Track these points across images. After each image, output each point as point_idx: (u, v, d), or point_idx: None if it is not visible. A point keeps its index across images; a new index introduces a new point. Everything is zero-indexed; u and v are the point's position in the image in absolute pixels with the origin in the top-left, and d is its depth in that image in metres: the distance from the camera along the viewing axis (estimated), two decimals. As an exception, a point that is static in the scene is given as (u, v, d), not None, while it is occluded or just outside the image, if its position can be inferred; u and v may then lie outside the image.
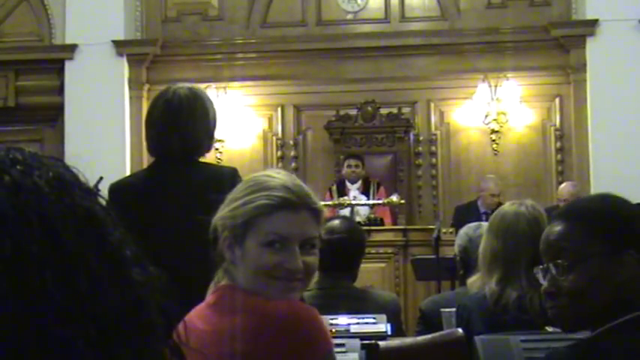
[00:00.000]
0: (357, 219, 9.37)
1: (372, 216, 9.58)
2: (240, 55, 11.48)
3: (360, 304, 4.29)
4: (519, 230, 3.61)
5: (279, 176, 2.37)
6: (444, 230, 8.67)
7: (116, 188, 3.77)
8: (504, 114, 10.90)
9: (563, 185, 10.01)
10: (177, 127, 3.68)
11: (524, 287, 3.51)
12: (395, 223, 9.92)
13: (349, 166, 10.08)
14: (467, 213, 9.36)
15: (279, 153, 11.35)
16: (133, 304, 0.93)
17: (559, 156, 11.02)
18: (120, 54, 11.15)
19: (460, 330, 3.61)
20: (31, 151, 0.96)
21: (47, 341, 0.87)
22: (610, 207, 2.28)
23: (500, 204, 7.79)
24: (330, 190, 9.90)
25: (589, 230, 2.22)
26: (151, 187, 3.67)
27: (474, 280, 3.77)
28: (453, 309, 4.10)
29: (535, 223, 3.62)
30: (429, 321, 4.35)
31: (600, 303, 2.18)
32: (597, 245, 2.20)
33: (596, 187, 10.40)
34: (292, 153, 11.35)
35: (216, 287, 2.33)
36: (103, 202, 0.97)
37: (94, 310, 0.89)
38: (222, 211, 2.33)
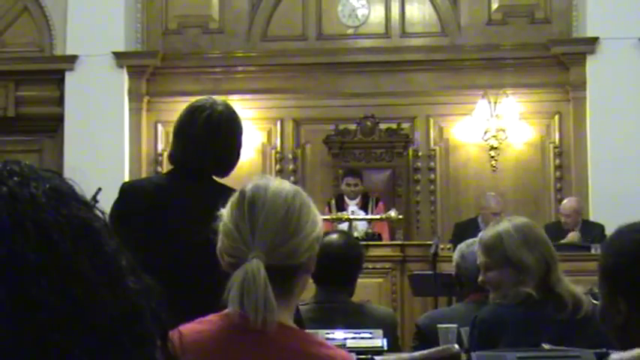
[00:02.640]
0: (355, 234, 9.35)
1: (370, 231, 9.58)
2: (240, 69, 11.51)
3: (356, 318, 4.29)
4: (547, 241, 3.82)
5: None
6: (441, 246, 8.67)
7: (128, 189, 3.76)
8: (503, 130, 10.91)
9: (565, 201, 10.03)
10: (216, 146, 3.65)
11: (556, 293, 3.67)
12: (393, 238, 9.90)
13: (348, 184, 10.06)
14: (466, 230, 9.34)
15: (277, 166, 11.35)
16: (129, 313, 0.94)
17: (558, 173, 11.03)
18: (120, 65, 11.17)
19: (456, 346, 3.60)
20: (27, 164, 0.97)
21: (44, 349, 0.88)
22: (615, 247, 2.26)
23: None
24: (329, 205, 9.90)
25: (599, 266, 2.25)
26: (165, 196, 3.65)
27: (503, 291, 3.82)
28: (450, 325, 4.11)
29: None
30: (426, 337, 4.35)
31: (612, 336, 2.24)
32: (603, 285, 2.22)
33: (595, 205, 10.42)
34: (291, 167, 11.36)
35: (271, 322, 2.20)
36: (100, 214, 0.98)
37: (90, 318, 0.90)
38: None
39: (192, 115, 3.73)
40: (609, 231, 8.90)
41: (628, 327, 2.16)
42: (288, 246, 2.22)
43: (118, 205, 3.57)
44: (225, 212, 2.31)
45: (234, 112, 3.78)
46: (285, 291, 2.24)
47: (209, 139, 3.65)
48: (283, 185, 2.31)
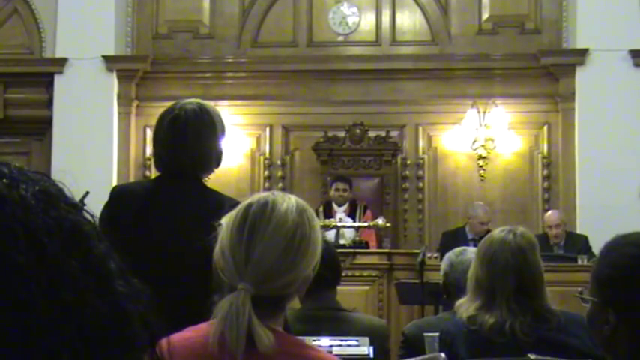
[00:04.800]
0: (342, 241, 9.37)
1: (358, 239, 9.58)
2: (229, 74, 11.50)
3: (345, 327, 4.28)
4: (501, 260, 3.59)
5: None
6: (428, 255, 8.67)
7: (118, 192, 3.76)
8: (492, 140, 10.93)
9: (549, 213, 10.03)
10: (184, 145, 3.63)
11: (502, 315, 3.51)
12: (380, 246, 9.92)
13: (337, 189, 10.06)
14: (454, 239, 9.35)
15: (266, 173, 11.35)
16: (117, 316, 0.93)
17: (546, 184, 11.05)
18: (110, 69, 11.16)
19: (443, 355, 3.60)
20: (17, 166, 0.96)
21: (32, 352, 0.87)
22: (610, 259, 2.27)
23: (488, 231, 7.76)
24: (317, 212, 9.89)
25: (593, 274, 2.26)
26: (154, 200, 3.65)
27: (461, 303, 3.76)
28: (436, 333, 4.10)
29: (520, 253, 3.60)
30: (412, 345, 4.34)
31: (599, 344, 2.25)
32: (594, 293, 2.22)
33: (582, 216, 10.43)
34: (279, 173, 11.36)
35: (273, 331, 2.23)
36: (89, 217, 0.98)
37: (78, 321, 0.90)
38: None
39: (161, 118, 3.73)
40: (594, 242, 8.87)
41: (615, 338, 2.17)
42: (279, 281, 2.21)
43: (107, 208, 3.57)
44: (225, 225, 2.28)
45: (207, 110, 3.74)
46: (274, 311, 2.25)
47: (177, 138, 3.64)
48: (288, 211, 2.26)
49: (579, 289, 2.35)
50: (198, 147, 3.67)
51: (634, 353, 2.15)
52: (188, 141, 3.64)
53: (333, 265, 4.39)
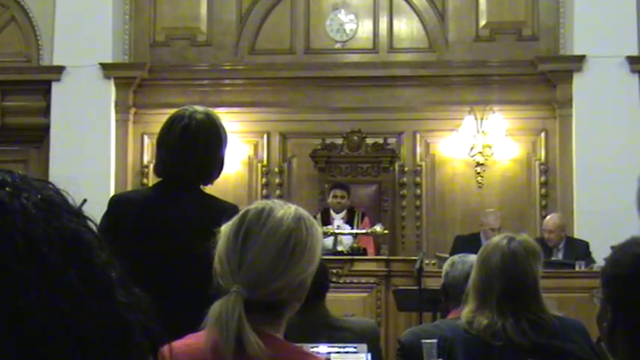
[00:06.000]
0: (340, 248, 9.37)
1: (356, 245, 9.57)
2: (227, 81, 11.51)
3: (338, 332, 4.28)
4: (491, 263, 3.63)
5: None
6: (426, 262, 8.66)
7: (117, 201, 3.75)
8: (490, 147, 10.93)
9: (548, 217, 10.02)
10: (194, 155, 3.63)
11: (493, 316, 3.53)
12: (378, 253, 9.91)
13: (335, 196, 10.06)
14: (467, 244, 9.27)
15: (263, 180, 11.35)
16: (118, 326, 0.93)
17: (543, 190, 11.05)
18: (107, 77, 11.16)
19: (441, 361, 3.61)
20: (20, 174, 0.96)
21: None
22: (615, 257, 2.29)
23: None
24: (314, 218, 9.86)
25: (601, 272, 2.30)
26: (153, 208, 3.65)
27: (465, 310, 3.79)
28: (434, 340, 4.10)
29: (510, 257, 3.62)
30: (409, 353, 4.34)
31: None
32: (602, 290, 2.25)
33: (580, 222, 10.44)
34: (277, 180, 11.35)
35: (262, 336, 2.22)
36: (92, 225, 0.98)
37: (77, 331, 0.89)
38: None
39: (171, 124, 3.72)
40: (591, 248, 8.86)
41: (612, 335, 2.19)
42: (272, 285, 2.21)
43: (106, 217, 3.56)
44: (223, 232, 2.29)
45: (214, 120, 3.74)
46: (271, 318, 2.26)
47: (187, 148, 3.64)
48: (284, 217, 2.28)
49: (595, 290, 2.38)
50: (206, 158, 3.67)
51: (632, 350, 2.16)
52: (198, 152, 3.64)
53: (323, 273, 4.41)
